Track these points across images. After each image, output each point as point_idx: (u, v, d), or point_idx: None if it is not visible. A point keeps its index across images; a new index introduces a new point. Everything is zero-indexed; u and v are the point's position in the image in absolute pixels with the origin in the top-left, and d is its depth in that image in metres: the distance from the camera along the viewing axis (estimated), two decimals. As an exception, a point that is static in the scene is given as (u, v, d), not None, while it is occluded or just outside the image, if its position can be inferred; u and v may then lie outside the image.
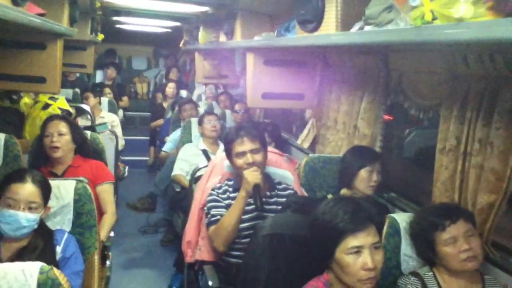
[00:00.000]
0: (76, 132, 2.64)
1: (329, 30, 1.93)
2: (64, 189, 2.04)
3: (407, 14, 1.32)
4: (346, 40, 1.77)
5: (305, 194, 2.55)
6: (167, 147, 4.44)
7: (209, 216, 2.22)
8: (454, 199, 1.97)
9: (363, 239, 1.45)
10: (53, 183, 2.01)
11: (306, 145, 3.51)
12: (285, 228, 1.79)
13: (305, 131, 3.55)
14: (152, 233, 4.38)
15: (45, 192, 1.89)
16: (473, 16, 1.07)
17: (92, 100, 4.80)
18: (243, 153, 2.23)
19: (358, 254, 1.45)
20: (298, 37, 2.37)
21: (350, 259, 1.45)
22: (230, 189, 2.30)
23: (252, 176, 2.14)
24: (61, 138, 2.53)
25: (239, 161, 2.24)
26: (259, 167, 2.21)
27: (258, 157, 2.24)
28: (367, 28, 1.59)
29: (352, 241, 1.45)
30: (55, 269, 1.32)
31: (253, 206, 2.23)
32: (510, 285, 1.76)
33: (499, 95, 1.75)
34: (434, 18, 1.19)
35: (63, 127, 2.56)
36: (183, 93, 6.66)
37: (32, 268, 1.29)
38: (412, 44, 1.67)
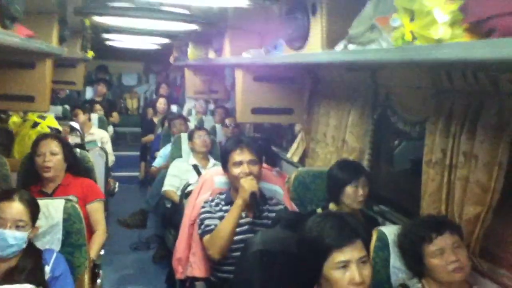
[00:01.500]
0: (68, 151, 2.63)
1: (315, 48, 1.97)
2: (53, 208, 2.03)
3: (389, 35, 1.35)
4: (330, 58, 1.81)
5: (295, 208, 2.57)
6: (157, 162, 4.44)
7: (202, 226, 2.23)
8: (441, 211, 2.00)
9: (349, 253, 1.46)
10: (42, 202, 2.01)
11: (296, 158, 3.54)
12: (275, 244, 1.79)
13: (295, 145, 3.58)
14: (144, 250, 4.35)
15: (33, 211, 1.89)
16: (451, 37, 1.11)
17: (82, 116, 4.80)
18: (240, 163, 2.26)
19: (345, 269, 1.46)
20: (285, 55, 2.41)
21: (337, 275, 1.46)
22: (223, 202, 2.32)
23: (249, 184, 2.17)
24: (53, 158, 2.51)
25: (236, 170, 2.26)
26: (254, 177, 2.24)
27: (255, 169, 2.27)
28: (350, 46, 1.63)
29: (339, 256, 1.46)
30: (44, 291, 1.31)
31: (245, 220, 2.24)
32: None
33: (482, 109, 1.79)
34: (414, 39, 1.22)
35: (55, 146, 2.54)
36: (174, 108, 6.68)
37: (22, 291, 1.29)
38: (395, 63, 1.71)
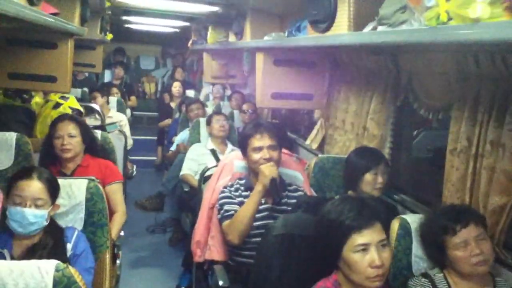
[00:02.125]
0: (86, 133, 2.63)
1: (341, 30, 1.92)
2: (76, 188, 2.04)
3: (422, 15, 1.31)
4: (358, 40, 1.77)
5: (315, 194, 2.55)
6: (174, 147, 4.45)
7: (222, 211, 2.23)
8: (465, 201, 1.97)
9: (369, 236, 1.46)
10: (65, 181, 2.02)
11: (314, 145, 3.51)
12: (297, 228, 1.79)
13: (314, 132, 3.55)
14: (160, 233, 4.39)
15: (52, 189, 1.90)
16: (490, 16, 1.07)
17: (100, 99, 4.82)
18: (260, 148, 2.24)
19: (365, 252, 1.45)
20: (309, 37, 2.37)
21: (357, 257, 1.45)
22: (242, 187, 2.32)
23: (269, 170, 2.16)
24: (71, 140, 2.52)
25: (256, 156, 2.24)
26: (275, 163, 2.22)
27: (275, 154, 2.26)
28: (380, 28, 1.59)
29: (358, 239, 1.45)
30: (70, 267, 1.33)
31: (265, 205, 2.24)
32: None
33: (511, 96, 1.74)
34: (449, 19, 1.18)
35: (73, 128, 2.55)
36: (190, 93, 6.68)
37: (48, 266, 1.30)
38: (426, 45, 1.67)
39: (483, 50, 1.74)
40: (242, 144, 2.35)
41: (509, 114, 1.76)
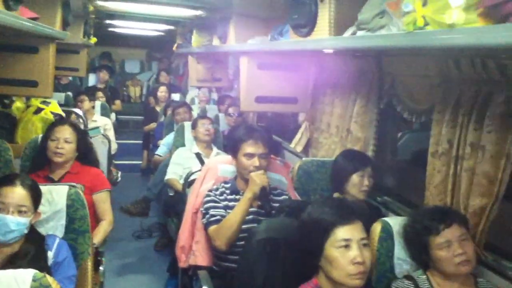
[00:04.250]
0: (81, 141, 2.62)
1: (322, 35, 1.94)
2: (56, 194, 2.02)
3: (400, 20, 1.33)
4: (339, 45, 1.78)
5: (299, 198, 2.55)
6: (160, 151, 4.43)
7: (207, 216, 2.21)
8: (446, 203, 1.98)
9: (350, 232, 1.48)
10: (46, 188, 2.00)
11: (299, 148, 3.52)
12: (279, 232, 1.78)
13: (298, 135, 3.55)
14: (146, 238, 4.34)
15: (35, 196, 1.88)
16: (464, 22, 1.08)
17: (87, 103, 4.77)
18: (252, 155, 2.24)
19: (347, 248, 1.47)
20: (291, 41, 2.38)
21: (339, 253, 1.47)
22: (227, 191, 2.30)
23: (260, 178, 2.16)
24: (66, 145, 2.51)
25: (246, 162, 2.24)
26: (264, 171, 2.23)
27: (265, 163, 2.26)
28: (359, 33, 1.60)
29: (341, 233, 1.48)
30: (48, 276, 1.30)
31: (251, 209, 2.23)
32: (503, 287, 1.77)
33: (491, 99, 1.77)
34: (426, 24, 1.20)
35: (70, 134, 2.54)
36: (176, 96, 6.65)
37: (25, 276, 1.28)
38: (405, 49, 1.69)
39: (463, 55, 1.77)
40: (233, 147, 2.33)
41: (488, 117, 1.78)
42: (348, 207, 1.54)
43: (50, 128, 2.58)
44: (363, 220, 1.55)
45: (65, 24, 3.15)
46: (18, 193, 1.81)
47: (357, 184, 2.35)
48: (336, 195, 2.46)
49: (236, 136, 2.36)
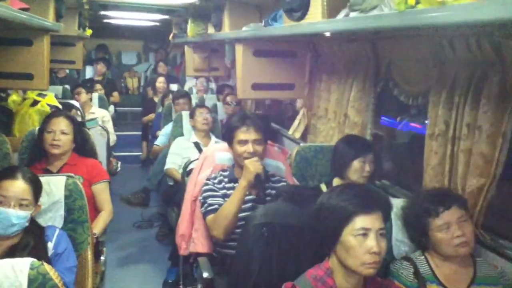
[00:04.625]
0: (78, 132, 2.62)
1: (316, 18, 1.92)
2: (54, 185, 2.02)
3: (391, 0, 1.31)
4: (331, 27, 1.77)
5: (297, 184, 2.56)
6: (159, 141, 4.42)
7: (205, 205, 2.22)
8: (444, 184, 1.99)
9: (371, 221, 1.45)
10: (44, 179, 1.99)
11: (297, 135, 3.52)
12: (277, 217, 1.79)
13: (296, 121, 3.55)
14: (147, 228, 4.38)
15: (36, 189, 1.88)
16: (455, -1, 1.07)
17: (84, 95, 4.76)
18: (245, 141, 2.24)
19: (365, 237, 1.44)
20: (284, 26, 2.37)
21: (356, 241, 1.45)
22: (226, 179, 2.31)
23: (254, 165, 2.15)
24: (62, 137, 2.52)
25: (240, 149, 2.24)
26: (259, 158, 2.22)
27: (259, 148, 2.25)
28: (352, 14, 1.59)
29: (361, 222, 1.45)
30: (45, 264, 1.31)
31: (249, 197, 2.24)
32: (500, 266, 1.78)
33: (486, 79, 1.76)
34: (417, 3, 1.19)
35: (66, 125, 2.54)
36: (174, 86, 6.63)
37: (22, 264, 1.29)
38: (397, 29, 1.67)
39: (457, 35, 1.75)
40: (228, 135, 2.33)
41: (484, 97, 1.77)
42: (371, 196, 1.51)
43: (46, 120, 2.58)
44: (384, 210, 1.52)
45: (58, 16, 3.13)
46: (19, 187, 1.81)
47: (359, 170, 2.35)
48: (336, 180, 2.46)
49: (229, 125, 2.36)
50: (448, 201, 1.76)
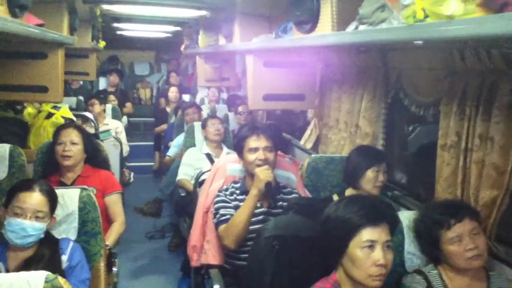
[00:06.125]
0: (88, 142, 2.66)
1: (325, 30, 1.93)
2: (68, 198, 2.05)
3: (400, 13, 1.32)
4: (341, 40, 1.77)
5: (309, 195, 2.55)
6: (171, 151, 4.45)
7: (218, 216, 2.23)
8: (456, 196, 1.97)
9: (377, 234, 1.46)
10: (58, 191, 2.02)
11: (309, 145, 3.51)
12: (288, 229, 1.79)
13: (308, 132, 3.55)
14: (159, 238, 4.39)
15: (52, 201, 1.91)
16: (463, 13, 1.08)
17: (98, 107, 4.82)
18: (256, 149, 2.25)
19: (371, 249, 1.45)
20: (294, 38, 2.38)
21: (363, 254, 1.45)
22: (237, 191, 2.31)
23: (264, 174, 2.15)
24: (73, 147, 2.56)
25: (251, 157, 2.24)
26: (270, 166, 2.22)
27: (270, 156, 2.26)
28: (361, 27, 1.60)
29: (367, 234, 1.45)
30: (60, 278, 1.32)
31: (260, 209, 2.24)
32: (515, 279, 1.75)
33: (497, 89, 1.75)
34: (426, 16, 1.19)
35: (76, 136, 2.59)
36: (186, 97, 6.69)
37: (37, 278, 1.30)
38: (407, 42, 1.68)
39: (467, 45, 1.75)
40: (238, 146, 2.35)
41: (495, 107, 1.76)
42: (377, 209, 1.51)
43: (56, 133, 2.63)
44: (390, 222, 1.52)
45: (72, 29, 3.19)
46: (36, 199, 1.84)
47: (372, 180, 2.35)
48: (349, 190, 2.46)
49: (239, 135, 2.38)
50: (460, 213, 1.74)
